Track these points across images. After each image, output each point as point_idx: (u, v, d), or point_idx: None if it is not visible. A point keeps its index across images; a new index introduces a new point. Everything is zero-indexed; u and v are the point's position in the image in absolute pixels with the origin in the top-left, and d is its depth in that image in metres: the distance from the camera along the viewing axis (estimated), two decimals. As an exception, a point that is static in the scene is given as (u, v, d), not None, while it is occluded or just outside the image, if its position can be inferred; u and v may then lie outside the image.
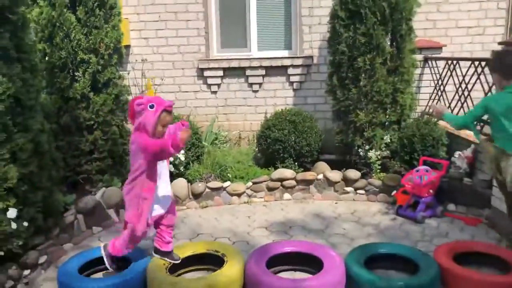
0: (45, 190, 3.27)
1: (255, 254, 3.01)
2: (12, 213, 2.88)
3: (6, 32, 2.98)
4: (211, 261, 3.05)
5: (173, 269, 2.96)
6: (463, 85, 4.75)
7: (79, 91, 4.52)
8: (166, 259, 2.96)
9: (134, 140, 2.77)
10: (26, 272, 3.02)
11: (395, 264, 3.08)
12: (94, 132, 4.63)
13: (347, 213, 4.22)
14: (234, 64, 5.91)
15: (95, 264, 3.11)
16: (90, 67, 4.54)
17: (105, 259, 2.96)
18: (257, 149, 5.30)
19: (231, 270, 2.80)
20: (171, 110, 2.82)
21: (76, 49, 4.49)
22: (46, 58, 4.45)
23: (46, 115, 3.53)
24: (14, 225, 2.89)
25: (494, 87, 3.76)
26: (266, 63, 5.86)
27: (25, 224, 3.02)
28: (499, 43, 3.74)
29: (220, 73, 5.96)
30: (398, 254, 3.06)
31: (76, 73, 4.59)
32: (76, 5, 4.51)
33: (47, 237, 3.33)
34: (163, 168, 2.97)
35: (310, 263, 3.01)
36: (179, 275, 3.03)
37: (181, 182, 4.48)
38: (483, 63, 4.38)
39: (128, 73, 5.25)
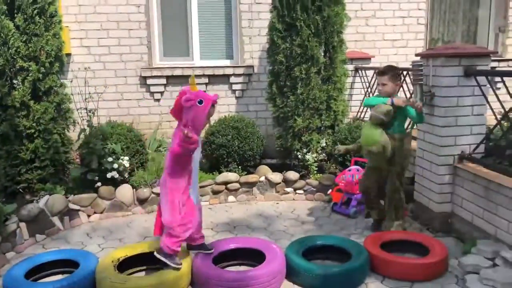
0: (-15, 199, 3.23)
1: (201, 253, 3.17)
2: (-47, 221, 2.85)
3: None
4: (158, 260, 3.16)
5: (122, 269, 3.05)
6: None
7: (18, 99, 4.47)
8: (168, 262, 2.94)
9: (174, 136, 2.91)
10: (-32, 281, 2.98)
11: (330, 254, 3.37)
12: (35, 141, 4.58)
13: (288, 211, 4.50)
14: (177, 72, 6.06)
15: (42, 269, 3.13)
16: (30, 75, 4.51)
17: (167, 261, 2.91)
18: (201, 154, 5.46)
19: (179, 266, 2.95)
20: (216, 103, 2.95)
21: (14, 57, 4.44)
22: (-17, 66, 4.37)
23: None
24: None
25: (413, 94, 4.22)
26: (209, 72, 6.06)
27: (-34, 232, 2.99)
28: (416, 55, 4.20)
29: (163, 81, 6.08)
30: (333, 244, 3.36)
31: (15, 81, 4.53)
32: (14, 13, 4.47)
33: (-12, 246, 3.29)
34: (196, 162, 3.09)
35: (254, 257, 3.23)
36: (128, 274, 3.12)
37: (126, 188, 4.55)
38: (404, 73, 4.86)
39: (71, 81, 5.23)
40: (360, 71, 6.04)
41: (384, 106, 3.63)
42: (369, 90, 5.77)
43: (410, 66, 4.02)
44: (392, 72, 3.80)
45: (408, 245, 3.45)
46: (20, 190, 4.55)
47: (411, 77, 3.93)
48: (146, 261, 3.22)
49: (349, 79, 5.89)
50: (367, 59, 6.12)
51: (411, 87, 4.52)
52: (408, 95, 4.82)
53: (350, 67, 5.92)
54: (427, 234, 3.78)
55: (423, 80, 3.81)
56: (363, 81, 5.98)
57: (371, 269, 3.17)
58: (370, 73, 5.85)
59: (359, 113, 6.01)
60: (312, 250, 3.31)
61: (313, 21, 4.95)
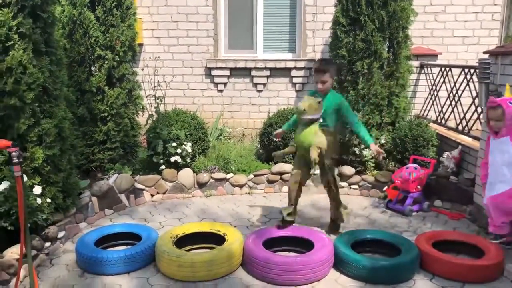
0: (65, 172, 3.59)
1: (253, 235, 3.33)
2: (37, 190, 3.21)
3: (38, 28, 3.32)
4: (213, 239, 3.37)
5: (179, 245, 3.28)
6: (454, 91, 5.06)
7: (95, 85, 4.87)
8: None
9: None
10: (47, 244, 3.35)
11: (380, 249, 3.39)
12: (108, 124, 4.97)
13: (341, 205, 4.53)
14: (241, 64, 6.25)
15: (109, 239, 3.45)
16: (106, 62, 4.89)
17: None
18: (259, 145, 5.62)
19: (231, 247, 3.13)
20: None
21: (93, 46, 4.84)
22: (66, 53, 4.80)
23: (67, 104, 3.86)
24: (39, 201, 3.22)
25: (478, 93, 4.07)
26: (270, 65, 6.19)
27: (48, 200, 3.35)
28: (484, 52, 4.04)
29: (227, 72, 6.30)
30: (383, 239, 3.37)
31: (93, 68, 4.94)
32: (95, 5, 4.86)
33: (65, 215, 3.66)
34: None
35: (304, 245, 3.33)
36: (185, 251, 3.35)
37: (187, 172, 4.81)
38: (472, 71, 4.69)
39: (142, 70, 5.59)
40: (425, 68, 5.88)
41: (302, 103, 3.40)
42: (433, 88, 5.61)
43: (477, 64, 3.89)
44: (332, 67, 3.72)
45: (462, 246, 3.37)
46: (93, 168, 4.98)
47: (477, 75, 3.81)
48: (202, 240, 3.44)
49: (414, 76, 5.75)
50: (434, 56, 5.93)
51: (478, 86, 4.38)
52: (474, 94, 4.65)
53: (415, 63, 5.77)
54: (483, 235, 3.66)
55: (489, 79, 3.68)
56: (428, 78, 5.82)
57: (421, 266, 3.15)
58: (436, 70, 5.68)
59: (422, 111, 5.86)
60: (361, 242, 3.35)
61: (377, 16, 4.90)
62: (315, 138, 3.45)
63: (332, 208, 3.85)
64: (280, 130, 3.97)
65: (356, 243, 3.29)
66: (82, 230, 3.84)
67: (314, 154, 3.38)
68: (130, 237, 3.47)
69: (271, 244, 3.34)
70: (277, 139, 4.20)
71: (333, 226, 3.87)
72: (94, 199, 4.12)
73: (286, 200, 3.77)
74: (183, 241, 3.34)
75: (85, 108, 4.89)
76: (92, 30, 4.82)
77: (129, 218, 4.17)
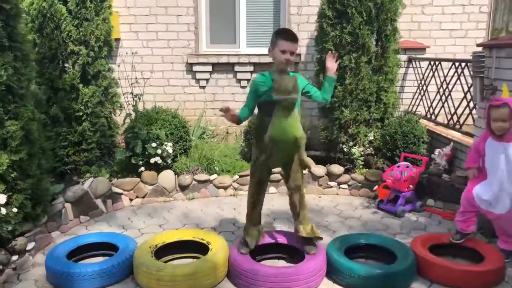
0: (34, 178, 3.30)
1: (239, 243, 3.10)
2: (1, 198, 2.93)
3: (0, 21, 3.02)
4: (196, 248, 3.14)
5: (159, 255, 3.04)
6: (444, 85, 4.91)
7: (69, 82, 4.57)
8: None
9: None
10: (15, 257, 3.07)
11: (374, 254, 3.20)
12: (83, 123, 4.69)
13: (330, 206, 4.35)
14: (223, 59, 6.00)
15: (83, 250, 3.18)
16: (80, 58, 4.59)
17: None
18: (244, 143, 5.39)
19: (215, 257, 2.90)
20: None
21: (66, 41, 4.54)
22: (36, 49, 4.49)
23: (36, 104, 3.57)
24: (3, 211, 2.93)
25: (472, 88, 3.92)
26: (254, 60, 5.95)
27: (14, 210, 3.06)
28: (478, 45, 3.88)
29: (209, 68, 6.04)
30: (377, 244, 3.18)
31: (66, 65, 4.64)
32: (67, -3, 4.56)
33: (35, 224, 3.37)
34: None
35: (293, 252, 3.12)
36: (165, 262, 3.11)
37: (168, 174, 4.55)
38: (463, 64, 4.54)
39: (119, 66, 5.30)
40: (413, 62, 5.72)
41: (285, 78, 2.73)
42: (422, 82, 5.45)
43: (471, 57, 3.72)
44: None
45: (460, 249, 3.21)
46: (68, 171, 4.68)
47: (471, 69, 3.65)
48: (184, 249, 3.20)
49: (402, 70, 5.60)
50: (422, 49, 5.78)
51: (469, 80, 4.23)
52: (466, 89, 4.51)
53: (403, 57, 5.62)
54: (480, 238, 3.51)
55: (484, 73, 3.52)
56: (416, 72, 5.66)
57: (418, 272, 2.97)
58: (424, 64, 5.52)
59: (411, 106, 5.71)
60: (355, 248, 3.16)
61: (365, 8, 4.70)
62: (300, 130, 2.77)
63: (300, 221, 3.05)
64: (230, 108, 3.05)
65: (349, 248, 3.09)
66: (55, 239, 3.55)
67: (303, 154, 2.88)
68: (106, 248, 3.20)
69: (259, 251, 3.13)
70: (224, 114, 3.05)
71: (308, 243, 3.04)
72: (68, 205, 3.83)
73: (274, 202, 3.53)
74: (163, 251, 3.10)
75: (58, 108, 4.60)
76: (64, 24, 4.52)
77: (106, 225, 3.91)
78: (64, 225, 3.75)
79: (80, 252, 3.17)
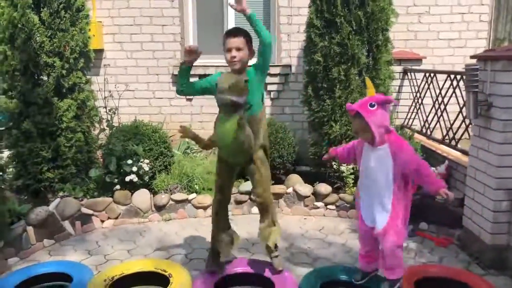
0: (-12, 201, 3.07)
1: (205, 274, 2.83)
2: None
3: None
4: (156, 281, 2.86)
5: (116, 289, 2.77)
6: (440, 99, 4.61)
7: (42, 96, 4.35)
8: None
9: None
10: (-39, 289, 2.82)
11: (354, 290, 2.90)
12: (57, 139, 4.45)
13: (315, 229, 4.04)
14: (211, 71, 5.73)
15: (34, 282, 2.91)
16: (54, 71, 4.37)
17: None
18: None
19: (175, 292, 2.62)
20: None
21: (38, 52, 4.32)
22: (7, 61, 4.28)
23: (6, 118, 3.34)
24: None
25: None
26: (242, 71, 5.69)
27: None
28: (472, 57, 3.58)
29: (196, 79, 5.77)
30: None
31: (42, 77, 4.42)
32: (40, 7, 4.35)
33: (-11, 250, 3.13)
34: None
35: (263, 284, 2.83)
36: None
37: (143, 193, 4.28)
38: (458, 77, 4.24)
39: (105, 79, 5.07)
40: (409, 74, 5.42)
41: (227, 77, 2.60)
42: (417, 95, 5.15)
43: (463, 70, 3.43)
44: (248, 36, 2.79)
45: (450, 284, 2.89)
46: (42, 189, 4.45)
47: (465, 83, 3.35)
48: (143, 281, 2.92)
49: (396, 82, 5.32)
50: (418, 60, 5.49)
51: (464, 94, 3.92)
52: (462, 103, 4.19)
53: (397, 68, 5.34)
54: (476, 269, 3.19)
55: (478, 87, 3.22)
56: (412, 84, 5.36)
57: (402, 311, 2.67)
58: (420, 76, 5.22)
59: (406, 120, 5.40)
60: (333, 284, 2.85)
61: (355, 17, 4.44)
62: (244, 133, 2.60)
63: (261, 227, 2.92)
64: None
65: (326, 284, 2.79)
66: (11, 267, 3.29)
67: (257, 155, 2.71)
68: (60, 278, 2.93)
69: (225, 283, 2.84)
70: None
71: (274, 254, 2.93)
72: (29, 228, 3.58)
73: (255, 224, 3.23)
74: (120, 284, 2.82)
75: (30, 122, 4.36)
76: (37, 34, 4.30)
77: (72, 249, 3.64)
78: (25, 250, 3.50)
79: (31, 283, 2.90)
